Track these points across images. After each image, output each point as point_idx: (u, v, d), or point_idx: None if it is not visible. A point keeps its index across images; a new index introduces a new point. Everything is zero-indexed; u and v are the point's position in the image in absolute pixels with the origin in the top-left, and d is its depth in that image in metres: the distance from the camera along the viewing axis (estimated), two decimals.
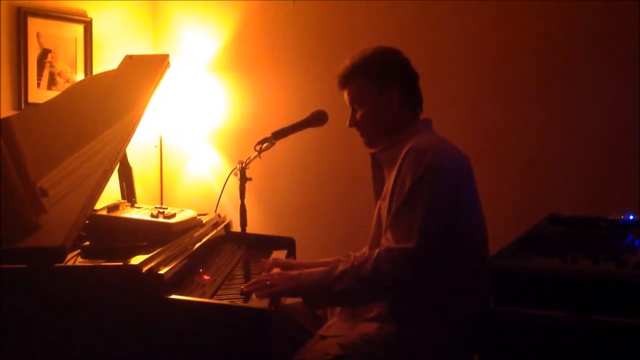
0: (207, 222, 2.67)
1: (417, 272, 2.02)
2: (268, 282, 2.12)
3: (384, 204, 2.20)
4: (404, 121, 2.26)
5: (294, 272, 2.18)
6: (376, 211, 2.29)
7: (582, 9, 3.16)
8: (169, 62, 2.66)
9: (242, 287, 2.13)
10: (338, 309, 2.33)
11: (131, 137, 2.37)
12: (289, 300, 2.44)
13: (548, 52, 3.25)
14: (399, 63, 2.29)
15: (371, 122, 2.27)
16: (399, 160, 2.13)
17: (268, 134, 2.72)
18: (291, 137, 2.74)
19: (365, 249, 2.38)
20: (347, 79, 2.28)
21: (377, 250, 2.05)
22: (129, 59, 2.75)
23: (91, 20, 3.96)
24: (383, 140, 2.27)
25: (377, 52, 2.28)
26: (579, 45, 3.19)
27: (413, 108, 2.28)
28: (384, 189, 2.24)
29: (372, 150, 2.33)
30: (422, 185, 2.05)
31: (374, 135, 2.28)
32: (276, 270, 2.36)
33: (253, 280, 2.16)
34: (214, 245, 2.61)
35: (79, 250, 2.18)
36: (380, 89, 2.24)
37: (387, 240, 2.06)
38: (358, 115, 2.28)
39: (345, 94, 2.30)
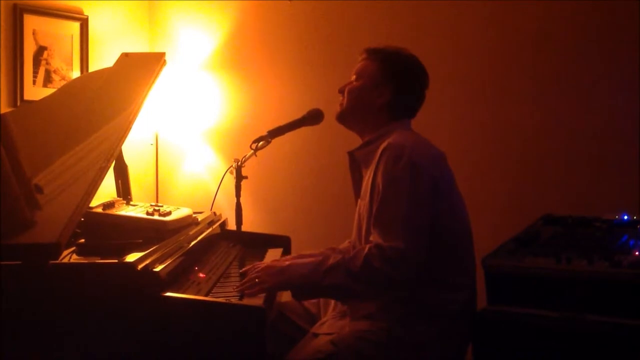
0: (203, 220, 2.67)
1: (408, 269, 2.02)
2: (257, 280, 2.12)
3: (362, 203, 2.23)
4: (379, 118, 2.29)
5: (282, 264, 2.17)
6: (356, 210, 2.31)
7: (579, 7, 3.17)
8: (165, 60, 2.66)
9: (234, 288, 2.14)
10: (331, 307, 2.33)
11: (127, 134, 2.37)
12: (284, 298, 2.44)
13: (543, 52, 3.26)
14: (413, 77, 2.32)
15: (352, 97, 2.31)
16: (376, 158, 2.16)
17: (264, 133, 2.72)
18: (287, 136, 2.75)
19: (346, 243, 2.44)
20: (370, 55, 2.35)
21: (367, 246, 2.06)
22: (125, 56, 2.75)
23: (87, 18, 3.95)
24: (350, 120, 2.34)
25: (406, 57, 2.34)
26: (574, 45, 3.19)
27: (394, 114, 2.30)
28: (362, 188, 2.26)
29: (341, 123, 2.37)
30: (402, 182, 2.08)
31: (347, 109, 2.33)
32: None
33: (243, 280, 2.16)
34: (209, 243, 2.61)
35: (74, 248, 2.18)
36: (381, 81, 2.29)
37: (376, 238, 2.07)
38: (349, 86, 2.33)
39: (359, 64, 2.36)
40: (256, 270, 2.19)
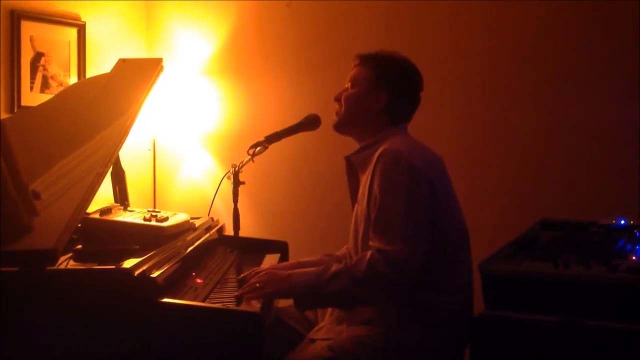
0: (200, 225, 2.67)
1: (410, 272, 2.02)
2: (258, 285, 2.12)
3: (359, 207, 2.23)
4: (377, 123, 2.29)
5: (284, 273, 2.17)
6: (353, 215, 2.31)
7: (579, 7, 3.17)
8: (162, 66, 2.66)
9: (236, 293, 2.13)
10: (328, 312, 2.33)
11: (124, 140, 2.37)
12: (282, 304, 2.44)
13: (543, 52, 3.26)
14: (407, 80, 2.32)
15: (349, 104, 2.31)
16: (372, 163, 2.16)
17: (261, 138, 2.72)
18: (284, 141, 2.75)
19: (343, 249, 2.45)
20: (362, 61, 2.34)
21: (368, 252, 2.05)
22: (122, 62, 2.75)
23: (85, 24, 3.95)
24: (348, 128, 2.34)
25: (399, 60, 2.33)
26: (574, 45, 3.20)
27: (392, 118, 2.30)
28: (359, 193, 2.26)
29: (339, 132, 2.36)
30: (400, 185, 2.08)
31: (345, 117, 2.32)
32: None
33: (245, 285, 2.16)
34: (206, 249, 2.60)
35: (71, 254, 2.18)
36: (375, 85, 2.28)
37: (376, 243, 2.07)
38: (345, 93, 2.33)
39: (353, 71, 2.36)
40: (258, 275, 2.19)
